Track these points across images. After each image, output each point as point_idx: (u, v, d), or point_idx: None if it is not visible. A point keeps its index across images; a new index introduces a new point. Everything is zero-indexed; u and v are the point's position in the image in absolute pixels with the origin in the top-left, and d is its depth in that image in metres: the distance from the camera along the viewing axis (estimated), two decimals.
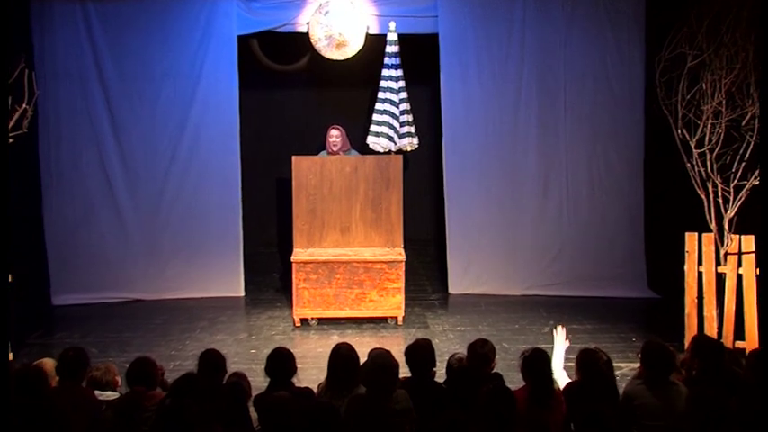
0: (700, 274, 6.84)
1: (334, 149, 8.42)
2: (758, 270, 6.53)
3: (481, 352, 4.83)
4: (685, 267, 6.88)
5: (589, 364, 4.63)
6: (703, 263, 6.82)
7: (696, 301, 6.84)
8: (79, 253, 8.47)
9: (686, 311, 6.89)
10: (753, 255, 6.64)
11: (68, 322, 7.90)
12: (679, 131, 6.98)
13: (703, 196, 6.91)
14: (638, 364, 4.71)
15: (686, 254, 6.87)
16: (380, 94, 8.40)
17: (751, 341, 6.55)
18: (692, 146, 6.90)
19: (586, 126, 8.64)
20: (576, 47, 8.50)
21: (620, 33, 8.45)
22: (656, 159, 8.50)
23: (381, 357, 4.46)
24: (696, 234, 6.85)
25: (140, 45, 8.34)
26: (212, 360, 4.76)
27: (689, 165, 6.94)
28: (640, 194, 8.69)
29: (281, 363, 4.70)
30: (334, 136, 8.47)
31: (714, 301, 6.80)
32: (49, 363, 4.87)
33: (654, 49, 7.66)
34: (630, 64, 8.50)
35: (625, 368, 6.23)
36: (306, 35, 8.39)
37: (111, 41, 8.31)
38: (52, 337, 7.58)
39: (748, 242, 6.69)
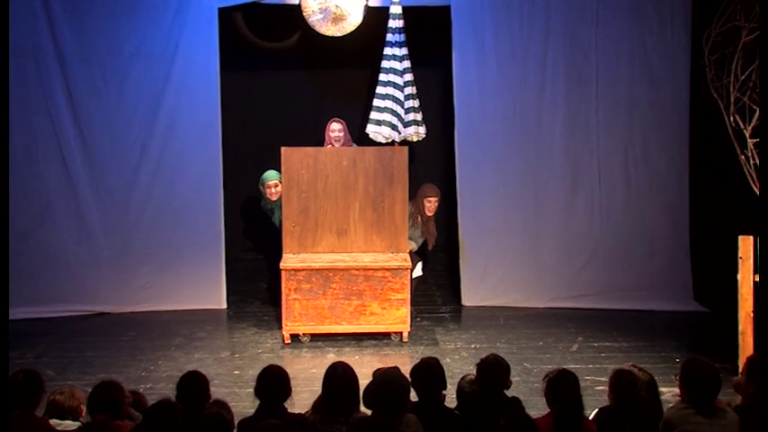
0: (755, 284, 6.75)
1: (336, 145, 8.39)
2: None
3: (493, 371, 4.75)
4: (738, 276, 6.79)
5: (624, 386, 4.60)
6: (760, 271, 6.72)
7: (752, 315, 6.76)
8: (33, 259, 8.41)
9: (740, 328, 6.80)
10: None
11: (20, 340, 7.77)
12: (731, 118, 6.97)
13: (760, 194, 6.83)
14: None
15: (739, 260, 6.78)
16: (382, 76, 8.43)
17: None
18: (747, 135, 6.89)
19: (622, 113, 8.63)
20: (611, 20, 8.48)
21: (662, 4, 8.46)
22: (703, 151, 8.52)
23: (390, 374, 4.47)
24: (751, 237, 6.76)
25: (105, 18, 8.29)
26: (194, 384, 4.71)
27: (743, 157, 6.93)
28: (685, 192, 8.69)
29: (274, 383, 4.67)
30: (337, 130, 8.52)
31: None
32: None
33: (702, 23, 7.65)
34: (674, 40, 8.48)
35: (667, 393, 6.14)
36: (298, 8, 8.39)
37: (71, 13, 8.25)
38: None
39: None
